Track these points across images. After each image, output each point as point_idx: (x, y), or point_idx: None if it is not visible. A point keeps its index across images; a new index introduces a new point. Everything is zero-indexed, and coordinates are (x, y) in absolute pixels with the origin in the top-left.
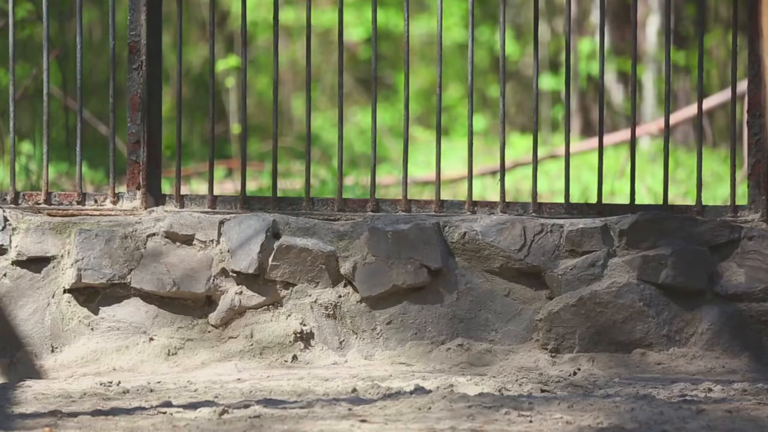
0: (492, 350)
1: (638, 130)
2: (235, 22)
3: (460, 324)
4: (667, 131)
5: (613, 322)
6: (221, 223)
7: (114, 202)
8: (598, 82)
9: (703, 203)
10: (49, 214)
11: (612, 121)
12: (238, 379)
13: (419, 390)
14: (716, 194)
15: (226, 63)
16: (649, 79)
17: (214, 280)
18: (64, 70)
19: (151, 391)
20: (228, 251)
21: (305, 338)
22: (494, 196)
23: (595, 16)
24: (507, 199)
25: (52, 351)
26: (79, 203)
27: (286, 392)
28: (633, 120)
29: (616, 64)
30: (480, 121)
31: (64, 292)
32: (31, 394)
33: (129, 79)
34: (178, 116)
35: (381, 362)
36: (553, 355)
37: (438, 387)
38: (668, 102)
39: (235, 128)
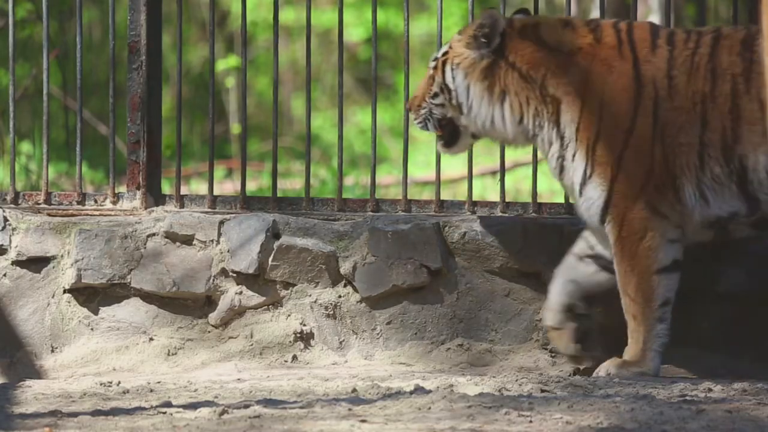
0: (492, 350)
1: None
2: (235, 22)
3: (460, 324)
4: None
5: (614, 322)
6: (221, 223)
7: (114, 202)
8: None
9: None
10: (49, 214)
11: None
12: (238, 379)
13: (419, 390)
14: None
15: (226, 63)
16: None
17: (214, 280)
18: (64, 70)
19: (151, 391)
20: (228, 251)
21: (305, 338)
22: (494, 196)
23: (595, 16)
24: (507, 199)
25: (52, 351)
26: (79, 203)
27: (286, 392)
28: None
29: None
30: None
31: (64, 292)
32: (31, 394)
33: (129, 79)
34: (178, 116)
35: (381, 362)
36: (553, 355)
37: (438, 387)
38: None
39: (235, 128)
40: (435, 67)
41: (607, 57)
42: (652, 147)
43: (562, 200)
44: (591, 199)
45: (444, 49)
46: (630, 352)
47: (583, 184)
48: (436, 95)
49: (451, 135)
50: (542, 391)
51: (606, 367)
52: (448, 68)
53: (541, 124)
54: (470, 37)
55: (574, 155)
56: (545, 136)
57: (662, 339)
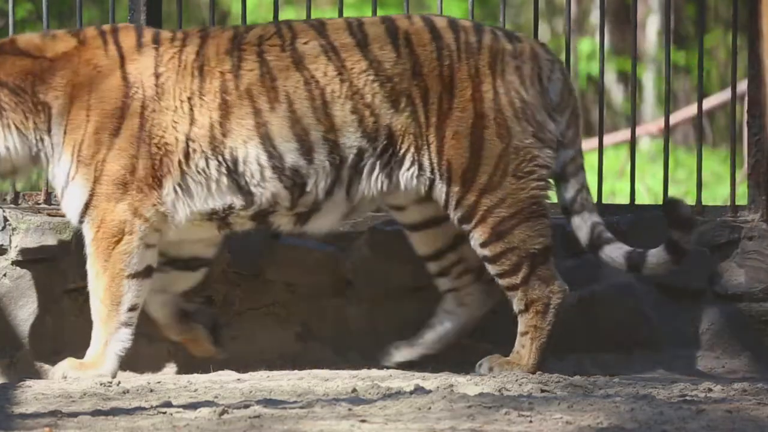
0: (492, 350)
1: (638, 130)
2: (234, 23)
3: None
4: (667, 131)
5: (613, 322)
6: None
7: None
8: (598, 82)
9: (703, 203)
10: (49, 214)
11: (612, 121)
12: (238, 379)
13: (419, 390)
14: (716, 194)
15: None
16: (649, 79)
17: (214, 280)
18: None
19: (151, 391)
20: (228, 251)
21: (305, 338)
22: None
23: (595, 16)
24: None
25: (52, 351)
26: None
27: (286, 392)
28: (633, 120)
29: (616, 64)
30: None
31: (64, 292)
32: (31, 394)
33: None
34: None
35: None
36: (553, 355)
37: (438, 387)
38: (668, 102)
39: None
40: None
41: (93, 57)
42: (137, 148)
43: (555, 200)
44: (73, 197)
45: None
46: (90, 353)
47: (66, 185)
48: None
49: None
50: (542, 391)
51: (62, 368)
52: None
53: (42, 138)
54: None
55: (60, 158)
56: (45, 150)
57: (124, 343)
